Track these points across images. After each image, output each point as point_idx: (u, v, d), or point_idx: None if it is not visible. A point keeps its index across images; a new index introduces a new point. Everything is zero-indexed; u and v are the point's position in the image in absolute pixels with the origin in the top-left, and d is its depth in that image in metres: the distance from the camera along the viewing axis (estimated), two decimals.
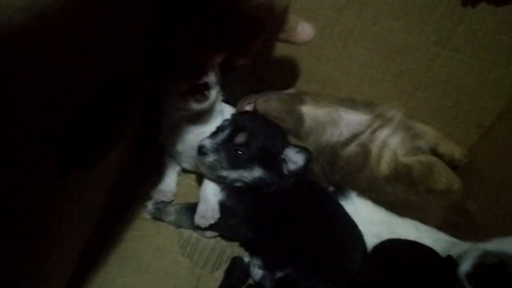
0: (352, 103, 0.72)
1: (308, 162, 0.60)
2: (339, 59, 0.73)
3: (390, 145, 0.68)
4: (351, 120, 0.69)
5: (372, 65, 0.73)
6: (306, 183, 0.66)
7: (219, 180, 0.64)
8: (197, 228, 0.64)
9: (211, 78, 0.60)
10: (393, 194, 0.68)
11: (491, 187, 0.71)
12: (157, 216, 0.67)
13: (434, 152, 0.75)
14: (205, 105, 0.62)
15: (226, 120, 0.65)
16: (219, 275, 0.62)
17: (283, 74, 0.77)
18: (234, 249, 0.66)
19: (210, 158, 0.60)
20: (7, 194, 0.33)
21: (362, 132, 0.68)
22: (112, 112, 0.42)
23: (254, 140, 0.61)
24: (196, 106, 0.61)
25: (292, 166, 0.61)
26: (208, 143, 0.61)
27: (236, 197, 0.64)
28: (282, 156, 0.61)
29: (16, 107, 0.30)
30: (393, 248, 0.58)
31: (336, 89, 0.76)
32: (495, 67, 0.68)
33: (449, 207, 0.69)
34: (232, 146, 0.60)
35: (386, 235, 0.62)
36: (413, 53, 0.70)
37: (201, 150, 0.61)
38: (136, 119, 0.46)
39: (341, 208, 0.64)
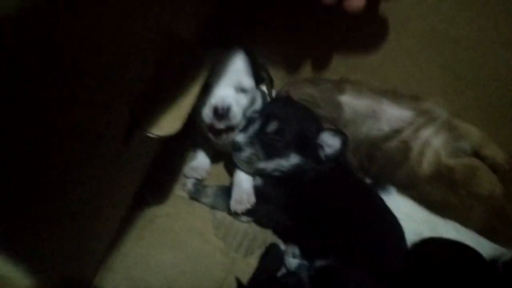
0: (395, 96, 0.69)
1: (344, 145, 0.59)
2: (390, 49, 0.70)
3: (433, 144, 0.66)
4: (393, 115, 0.67)
5: (423, 59, 0.70)
6: (346, 172, 0.64)
7: (257, 173, 0.62)
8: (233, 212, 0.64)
9: (233, 119, 0.59)
10: (433, 194, 0.66)
11: None
12: (194, 196, 0.66)
13: (477, 154, 0.73)
14: (227, 141, 0.62)
15: (255, 111, 0.64)
16: (253, 261, 0.61)
17: (330, 61, 0.74)
18: (267, 236, 0.65)
19: (246, 152, 0.60)
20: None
21: (403, 129, 0.66)
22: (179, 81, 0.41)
23: (287, 126, 0.59)
24: (217, 141, 0.62)
25: (328, 150, 0.59)
26: (241, 138, 0.60)
27: (273, 183, 0.63)
28: (318, 141, 0.60)
29: (95, 75, 0.29)
30: (435, 246, 0.56)
31: (383, 79, 0.73)
32: None
33: (489, 212, 0.67)
34: (265, 136, 0.59)
35: (426, 234, 0.61)
36: (468, 49, 0.67)
37: (235, 147, 0.60)
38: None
39: (382, 201, 0.62)
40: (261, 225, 0.66)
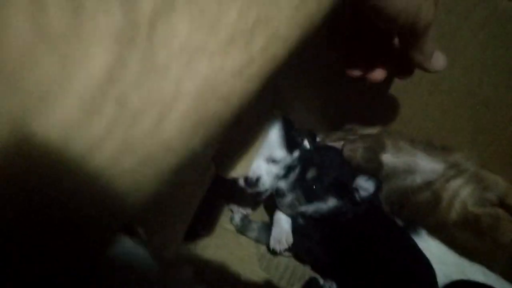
0: (429, 148, 0.75)
1: (378, 188, 0.65)
2: (423, 105, 0.77)
3: (461, 195, 0.71)
4: (426, 168, 0.73)
5: (454, 114, 0.77)
6: (380, 214, 0.70)
7: (298, 215, 0.69)
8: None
9: (262, 187, 0.66)
10: (460, 239, 0.71)
11: None
12: (241, 230, 0.72)
13: (502, 203, 0.77)
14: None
15: (294, 159, 0.70)
16: None
17: (367, 112, 0.81)
18: (306, 270, 0.70)
19: (288, 198, 0.67)
20: None
21: (435, 180, 0.72)
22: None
23: (325, 173, 0.66)
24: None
25: (363, 193, 0.66)
26: (283, 185, 0.67)
27: (314, 223, 0.69)
28: (353, 185, 0.66)
29: None
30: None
31: (415, 131, 0.79)
32: None
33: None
34: (305, 182, 0.66)
35: (455, 276, 0.65)
36: (496, 108, 0.73)
37: (278, 193, 0.67)
38: None
39: (414, 242, 0.67)
40: (300, 260, 0.72)
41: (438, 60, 0.52)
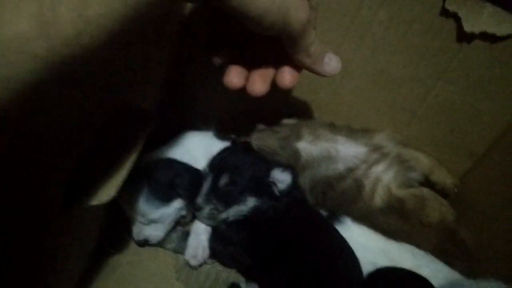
0: (349, 132, 0.73)
1: (295, 177, 0.63)
2: (337, 90, 0.75)
3: (383, 180, 0.70)
4: (347, 154, 0.70)
5: (368, 96, 0.75)
6: (302, 207, 0.68)
7: (221, 223, 0.65)
8: None
9: (155, 241, 0.67)
10: (386, 224, 0.69)
11: (483, 216, 0.72)
12: (159, 242, 0.68)
13: (427, 180, 0.77)
14: None
15: (204, 168, 0.67)
16: None
17: (282, 103, 0.78)
18: (230, 274, 0.67)
19: (206, 210, 0.63)
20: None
21: (357, 167, 0.70)
22: (118, 149, 0.44)
23: (238, 174, 0.63)
24: None
25: (281, 186, 0.63)
26: (198, 199, 0.64)
27: (235, 226, 0.66)
28: (270, 180, 0.63)
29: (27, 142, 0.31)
30: (389, 278, 0.59)
31: (333, 117, 0.77)
32: (488, 99, 0.70)
33: (441, 235, 0.70)
34: (219, 190, 0.62)
35: (382, 262, 0.63)
36: (409, 85, 0.72)
37: (195, 207, 0.64)
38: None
39: (338, 233, 0.65)
40: (224, 264, 0.68)
41: (330, 63, 0.48)
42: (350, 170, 0.69)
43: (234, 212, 0.63)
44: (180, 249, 0.68)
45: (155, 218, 0.64)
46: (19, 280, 0.39)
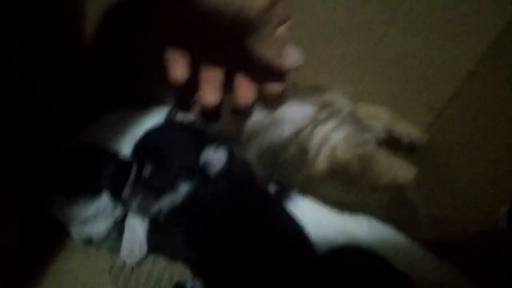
0: (295, 91, 0.65)
1: (229, 155, 0.55)
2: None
3: (331, 140, 0.62)
4: (293, 116, 0.62)
5: (315, 50, 0.67)
6: (246, 187, 0.60)
7: (156, 214, 0.56)
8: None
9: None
10: (329, 194, 0.62)
11: (446, 173, 0.67)
12: (88, 242, 0.59)
13: (390, 137, 0.71)
14: None
15: (129, 157, 0.58)
16: None
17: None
18: (174, 271, 0.59)
19: (135, 203, 0.54)
20: None
21: (303, 129, 0.62)
22: None
23: (163, 162, 0.54)
24: None
25: (216, 166, 0.55)
26: (124, 193, 0.54)
27: (174, 216, 0.57)
28: (202, 162, 0.54)
29: None
30: (343, 260, 0.53)
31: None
32: (445, 47, 0.63)
33: (390, 203, 0.63)
34: (144, 182, 0.53)
35: (339, 239, 0.57)
36: (357, 34, 0.64)
37: (123, 203, 0.56)
38: None
39: (286, 213, 0.58)
40: (170, 259, 0.60)
41: (291, 53, 0.39)
42: (296, 133, 0.62)
43: (167, 201, 0.54)
44: (117, 247, 0.59)
45: (90, 215, 0.56)
46: None
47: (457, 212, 0.62)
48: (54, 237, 0.59)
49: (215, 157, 0.54)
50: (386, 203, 0.62)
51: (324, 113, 0.64)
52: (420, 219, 0.63)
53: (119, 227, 0.61)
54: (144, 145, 0.55)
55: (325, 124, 0.62)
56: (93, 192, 0.56)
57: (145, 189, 0.54)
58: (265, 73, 0.39)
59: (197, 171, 0.54)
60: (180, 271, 0.59)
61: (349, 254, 0.53)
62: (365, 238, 0.58)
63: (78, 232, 0.57)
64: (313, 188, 0.61)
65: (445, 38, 0.62)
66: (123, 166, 0.56)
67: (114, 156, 0.57)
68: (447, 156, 0.68)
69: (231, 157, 0.55)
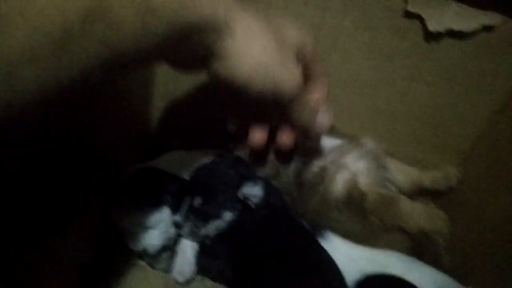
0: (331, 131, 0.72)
1: (267, 190, 0.63)
2: None
3: (351, 167, 0.65)
4: (324, 145, 0.68)
5: (347, 102, 0.76)
6: (284, 219, 0.67)
7: (204, 238, 0.66)
8: None
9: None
10: (340, 222, 0.65)
11: (473, 214, 0.71)
12: (149, 262, 0.68)
13: (421, 188, 0.75)
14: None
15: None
16: None
17: None
18: None
19: (187, 227, 0.64)
20: None
21: (328, 154, 0.67)
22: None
23: (210, 196, 0.63)
24: None
25: (255, 200, 0.63)
26: (178, 217, 0.65)
27: (220, 240, 0.66)
28: (243, 194, 0.63)
29: None
30: (378, 285, 0.58)
31: None
32: (465, 96, 0.70)
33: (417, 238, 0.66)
34: (195, 210, 0.63)
35: (371, 269, 0.62)
36: (385, 88, 0.73)
37: (176, 225, 0.65)
38: None
39: (319, 245, 0.64)
40: (213, 279, 0.68)
41: (323, 119, 0.52)
42: (321, 159, 0.67)
43: (213, 227, 0.63)
44: (170, 269, 0.68)
45: (148, 224, 0.64)
46: None
47: (484, 255, 0.65)
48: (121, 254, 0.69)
49: (253, 192, 0.63)
50: (407, 245, 0.66)
51: (350, 146, 0.69)
52: (444, 263, 0.66)
53: (172, 250, 0.71)
54: (196, 179, 0.66)
55: (349, 154, 0.67)
56: (157, 204, 0.64)
57: (195, 216, 0.64)
58: (301, 133, 0.50)
59: (239, 203, 0.63)
60: None
61: (383, 279, 0.58)
62: (397, 269, 0.61)
63: (135, 243, 0.65)
64: (326, 212, 0.64)
65: (464, 88, 0.69)
66: (182, 187, 0.66)
67: (175, 178, 0.67)
68: (473, 197, 0.72)
69: (268, 190, 0.63)
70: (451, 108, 0.72)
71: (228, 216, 0.63)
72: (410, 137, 0.78)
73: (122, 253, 0.68)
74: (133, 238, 0.66)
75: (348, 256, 0.63)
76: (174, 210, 0.65)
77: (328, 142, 0.69)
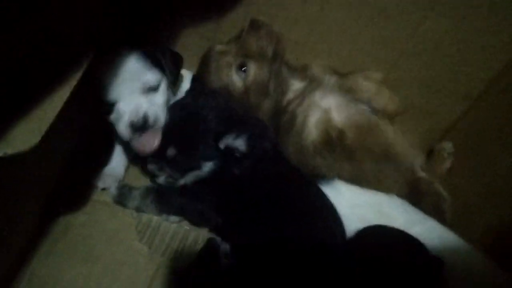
0: (288, 66, 0.66)
1: (251, 142, 0.55)
2: (316, 24, 0.66)
3: (321, 104, 0.60)
4: (290, 88, 0.64)
5: (351, 31, 0.66)
6: (276, 163, 0.60)
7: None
8: (161, 212, 0.60)
9: (158, 123, 0.55)
10: (326, 168, 0.59)
11: (480, 162, 0.66)
12: (119, 201, 0.60)
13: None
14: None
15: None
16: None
17: None
18: (199, 233, 0.60)
19: (162, 177, 0.58)
20: None
21: (294, 99, 0.62)
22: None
23: (185, 146, 0.56)
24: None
25: (239, 151, 0.56)
26: (151, 166, 0.57)
27: (202, 183, 0.59)
28: (224, 146, 0.56)
29: None
30: (377, 237, 0.53)
31: (313, 56, 0.69)
32: (484, 34, 0.62)
33: (410, 184, 0.62)
34: (169, 160, 0.56)
35: (373, 217, 0.57)
36: (396, 17, 0.64)
37: (151, 175, 0.60)
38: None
39: (317, 189, 0.58)
40: (192, 223, 0.62)
41: None
42: (289, 102, 0.62)
43: (192, 177, 0.57)
44: (143, 207, 0.61)
45: (151, 81, 0.54)
46: None
47: (491, 201, 0.60)
48: (83, 190, 0.61)
49: (236, 144, 0.55)
50: (406, 186, 0.61)
51: (310, 86, 0.63)
52: (443, 209, 0.62)
53: (145, 188, 0.63)
54: (168, 125, 0.56)
55: (314, 93, 0.61)
56: (154, 63, 0.54)
57: (170, 168, 0.56)
58: None
59: (219, 152, 0.56)
60: (204, 234, 0.60)
61: (384, 232, 0.53)
62: (400, 220, 0.57)
63: (135, 109, 0.53)
64: (307, 161, 0.59)
65: (484, 27, 0.61)
66: (178, 58, 0.59)
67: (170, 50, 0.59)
68: (480, 146, 0.67)
69: (252, 144, 0.55)
70: (466, 46, 0.64)
71: (208, 166, 0.56)
72: (415, 76, 0.70)
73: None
74: (129, 105, 0.53)
75: (352, 201, 0.58)
76: (173, 76, 0.57)
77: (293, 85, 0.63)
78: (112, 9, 0.56)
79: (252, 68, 0.62)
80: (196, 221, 0.61)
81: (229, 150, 0.56)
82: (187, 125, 0.57)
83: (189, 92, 0.62)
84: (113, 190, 0.61)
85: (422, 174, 0.63)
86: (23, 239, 0.50)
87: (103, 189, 0.61)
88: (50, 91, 0.37)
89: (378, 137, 0.58)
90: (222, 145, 0.55)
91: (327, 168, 0.58)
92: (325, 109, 0.59)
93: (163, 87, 0.55)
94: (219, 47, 0.65)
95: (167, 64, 0.55)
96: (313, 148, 0.57)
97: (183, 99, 0.60)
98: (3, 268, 0.47)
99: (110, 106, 0.52)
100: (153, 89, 0.54)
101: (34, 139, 0.33)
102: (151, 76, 0.53)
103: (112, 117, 0.53)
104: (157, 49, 0.55)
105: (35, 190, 0.48)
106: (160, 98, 0.55)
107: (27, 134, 0.33)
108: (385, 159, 0.58)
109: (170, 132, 0.56)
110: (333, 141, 0.56)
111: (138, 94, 0.53)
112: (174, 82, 0.57)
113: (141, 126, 0.52)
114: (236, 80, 0.63)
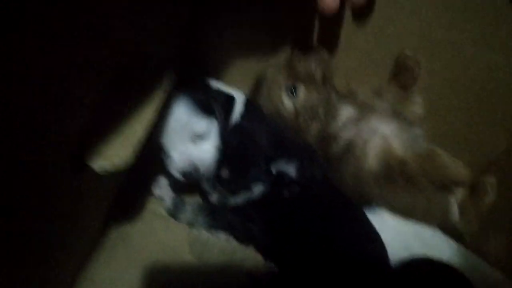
0: (336, 92, 0.66)
1: (301, 169, 0.58)
2: (369, 52, 0.68)
3: (380, 132, 0.59)
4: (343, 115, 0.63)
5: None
6: (324, 188, 0.62)
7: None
8: (211, 227, 0.63)
9: (207, 173, 0.60)
10: (387, 199, 0.59)
11: None
12: (173, 213, 0.64)
13: None
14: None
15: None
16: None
17: None
18: (246, 254, 0.62)
19: (215, 196, 0.61)
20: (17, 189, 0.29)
21: (347, 125, 0.61)
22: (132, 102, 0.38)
23: (237, 168, 0.59)
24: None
25: (290, 177, 0.59)
26: (206, 185, 0.61)
27: (252, 203, 0.62)
28: (273, 172, 0.59)
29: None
30: (422, 270, 0.53)
31: (363, 82, 0.70)
32: None
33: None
34: (221, 181, 0.59)
35: (417, 247, 0.58)
36: (449, 51, 0.65)
37: (205, 193, 0.63)
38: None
39: (363, 215, 0.60)
40: (239, 241, 0.63)
41: None
42: (340, 128, 0.61)
43: (243, 198, 0.61)
44: (194, 221, 0.63)
45: (200, 129, 0.57)
46: (25, 250, 0.34)
47: None
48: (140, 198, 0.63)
49: (286, 169, 0.58)
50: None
51: (366, 111, 0.62)
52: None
53: (197, 204, 0.66)
54: (226, 145, 0.59)
55: (368, 121, 0.60)
56: (206, 111, 0.57)
57: (223, 187, 0.60)
58: None
59: (270, 175, 0.59)
60: (251, 254, 0.62)
61: (431, 265, 0.54)
62: (445, 253, 0.58)
63: (182, 156, 0.56)
64: (365, 191, 0.59)
65: None
66: (231, 100, 0.61)
67: (224, 92, 0.62)
68: None
69: (302, 170, 0.58)
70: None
71: (259, 188, 0.60)
72: (460, 108, 0.71)
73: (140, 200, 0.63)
74: (179, 151, 0.57)
75: (397, 230, 0.59)
76: (225, 119, 0.59)
77: (343, 110, 0.62)
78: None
79: (302, 91, 0.63)
80: (244, 240, 0.63)
81: (280, 174, 0.58)
82: (240, 148, 0.59)
83: (243, 115, 0.64)
84: (168, 201, 0.64)
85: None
86: (87, 246, 0.52)
87: (159, 199, 0.64)
88: (138, 110, 0.40)
89: (439, 165, 0.56)
90: (274, 170, 0.58)
91: (383, 198, 0.59)
92: (383, 136, 0.58)
93: (214, 132, 0.58)
94: (270, 70, 0.67)
95: (220, 113, 0.57)
96: (374, 179, 0.57)
97: (239, 122, 0.63)
98: (67, 275, 0.50)
99: (161, 147, 0.56)
100: (202, 137, 0.58)
101: (129, 156, 0.35)
102: (202, 125, 0.56)
103: (164, 158, 0.57)
104: (210, 93, 0.58)
105: (104, 199, 0.51)
106: (210, 144, 0.58)
107: (122, 151, 0.36)
108: (443, 187, 0.58)
109: (225, 154, 0.59)
110: (395, 172, 0.56)
111: (187, 142, 0.57)
112: (225, 128, 0.59)
113: (192, 176, 0.56)
114: (287, 102, 0.64)
